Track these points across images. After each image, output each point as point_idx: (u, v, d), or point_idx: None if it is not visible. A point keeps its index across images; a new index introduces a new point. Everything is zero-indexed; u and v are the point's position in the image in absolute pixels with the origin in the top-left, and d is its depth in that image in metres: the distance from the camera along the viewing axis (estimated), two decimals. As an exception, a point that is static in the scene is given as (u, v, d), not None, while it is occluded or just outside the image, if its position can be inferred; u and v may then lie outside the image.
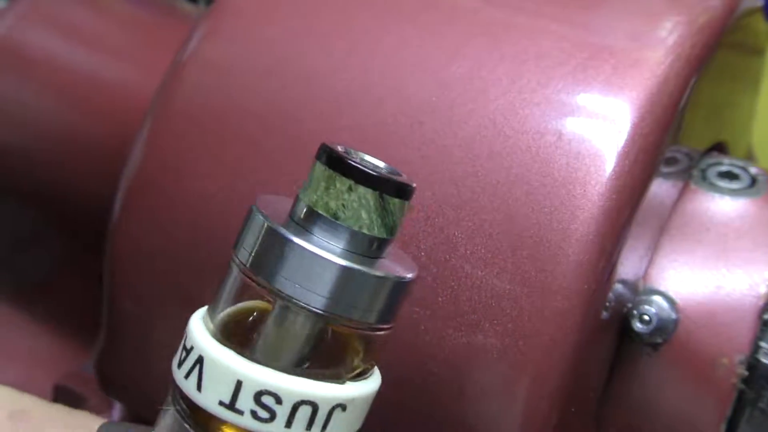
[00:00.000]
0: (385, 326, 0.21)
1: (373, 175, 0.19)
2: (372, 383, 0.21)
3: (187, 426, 0.21)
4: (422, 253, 0.25)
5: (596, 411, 0.28)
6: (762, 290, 0.27)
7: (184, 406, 0.21)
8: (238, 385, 0.19)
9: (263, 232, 0.20)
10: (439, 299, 0.25)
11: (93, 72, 0.43)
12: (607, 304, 0.26)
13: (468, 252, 0.25)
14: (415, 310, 0.25)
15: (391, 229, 0.20)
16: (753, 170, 0.30)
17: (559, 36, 0.27)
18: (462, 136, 0.26)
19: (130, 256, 0.30)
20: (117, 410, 0.38)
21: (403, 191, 0.20)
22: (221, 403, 0.20)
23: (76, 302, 0.45)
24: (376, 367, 0.22)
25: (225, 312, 0.21)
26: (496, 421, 0.25)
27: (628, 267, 0.27)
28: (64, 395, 0.40)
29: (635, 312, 0.27)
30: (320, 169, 0.20)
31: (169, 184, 0.29)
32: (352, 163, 0.20)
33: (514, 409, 0.24)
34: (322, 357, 0.20)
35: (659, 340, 0.27)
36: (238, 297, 0.21)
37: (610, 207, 0.24)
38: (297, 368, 0.20)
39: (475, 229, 0.25)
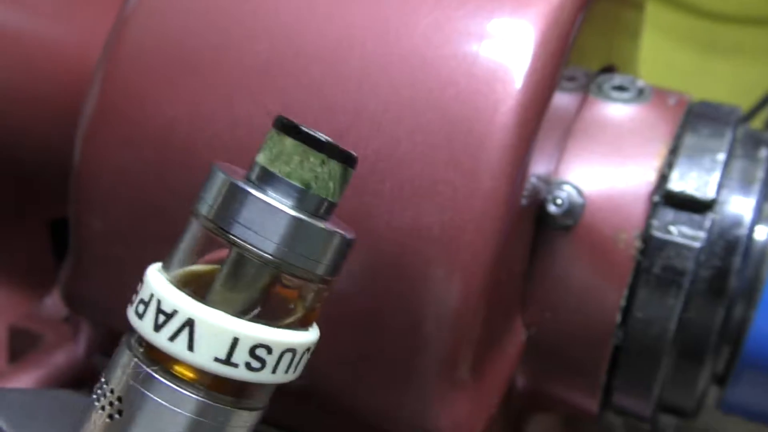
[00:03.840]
0: (328, 279, 0.23)
1: (331, 144, 0.22)
2: (317, 333, 0.24)
3: (139, 360, 0.23)
4: (369, 151, 0.29)
5: (521, 289, 0.33)
6: (651, 177, 0.33)
7: (138, 346, 0.23)
8: (234, 341, 0.22)
9: (224, 187, 0.22)
10: (386, 186, 0.29)
11: (27, 31, 0.45)
12: (525, 192, 0.31)
13: (410, 146, 0.29)
14: (367, 199, 0.29)
15: (335, 194, 0.23)
16: (639, 83, 0.36)
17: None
18: (398, 51, 0.30)
19: (97, 176, 0.33)
20: (81, 342, 0.40)
21: (351, 160, 0.23)
22: (216, 360, 0.22)
23: (23, 251, 0.47)
24: (315, 323, 0.24)
25: (181, 270, 0.23)
26: (440, 288, 0.29)
27: (540, 164, 0.32)
28: (20, 335, 0.42)
29: (549, 197, 0.32)
30: (280, 136, 0.22)
31: (132, 110, 0.32)
32: (313, 132, 0.22)
33: (455, 276, 0.29)
34: (268, 310, 0.23)
35: (570, 222, 0.32)
36: (196, 252, 0.23)
37: (526, 100, 0.29)
38: (248, 317, 0.22)
39: (415, 126, 0.29)
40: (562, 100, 0.33)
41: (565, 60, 0.31)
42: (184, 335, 0.22)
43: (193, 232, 0.23)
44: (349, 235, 0.23)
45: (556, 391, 0.36)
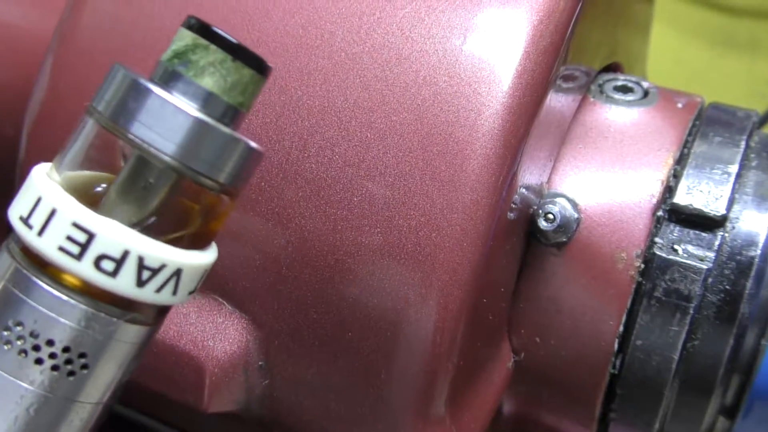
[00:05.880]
0: (231, 189, 0.21)
1: (246, 49, 0.20)
2: (211, 255, 0.22)
3: (22, 268, 0.20)
4: (336, 157, 0.26)
5: (508, 310, 0.29)
6: (655, 190, 0.29)
7: (19, 250, 0.21)
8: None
9: (124, 83, 0.20)
10: (354, 199, 0.26)
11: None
12: (513, 205, 0.27)
13: (381, 151, 0.26)
14: (332, 211, 0.26)
15: (245, 103, 0.21)
16: (645, 84, 0.32)
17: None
18: (371, 43, 0.27)
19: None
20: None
21: (265, 69, 0.21)
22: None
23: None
24: (213, 242, 0.22)
25: (72, 173, 0.21)
26: (413, 313, 0.26)
27: (531, 174, 0.28)
28: None
29: (540, 211, 0.29)
30: (192, 37, 0.20)
31: (84, 96, 0.29)
32: (227, 36, 0.20)
33: (430, 299, 0.25)
34: (165, 220, 0.21)
35: (563, 239, 0.29)
36: (88, 156, 0.21)
37: (513, 104, 0.25)
38: (141, 227, 0.20)
39: (387, 129, 0.26)
40: (558, 101, 0.29)
41: (561, 58, 0.28)
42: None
43: (87, 131, 0.21)
44: (255, 146, 0.21)
45: (547, 420, 0.33)
